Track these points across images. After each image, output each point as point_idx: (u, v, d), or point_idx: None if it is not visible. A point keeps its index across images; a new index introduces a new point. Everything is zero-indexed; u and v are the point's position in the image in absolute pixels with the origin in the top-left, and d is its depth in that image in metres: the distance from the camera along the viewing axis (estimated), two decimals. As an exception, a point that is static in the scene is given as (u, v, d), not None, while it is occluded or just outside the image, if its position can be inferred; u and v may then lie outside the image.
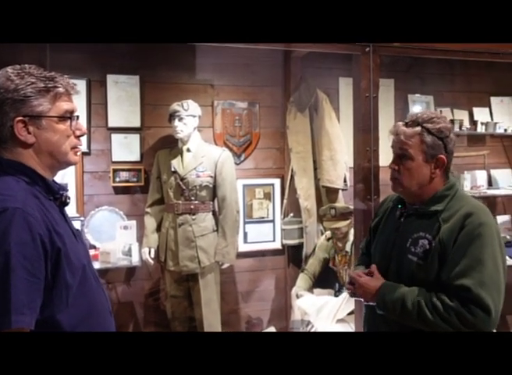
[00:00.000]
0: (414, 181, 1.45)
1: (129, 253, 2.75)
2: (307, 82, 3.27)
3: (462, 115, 3.60)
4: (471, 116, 3.65)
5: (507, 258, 3.08)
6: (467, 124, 3.50)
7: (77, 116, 1.18)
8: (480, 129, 3.40)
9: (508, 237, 3.49)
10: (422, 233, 1.42)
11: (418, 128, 1.43)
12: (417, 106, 3.63)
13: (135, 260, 2.75)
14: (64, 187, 1.20)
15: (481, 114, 3.64)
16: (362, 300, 1.52)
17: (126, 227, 2.87)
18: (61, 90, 1.13)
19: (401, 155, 1.46)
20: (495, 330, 1.38)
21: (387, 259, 1.51)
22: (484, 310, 1.27)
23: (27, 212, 1.02)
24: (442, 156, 1.42)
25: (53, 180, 1.18)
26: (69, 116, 1.15)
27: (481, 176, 3.53)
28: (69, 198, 1.20)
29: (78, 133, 1.17)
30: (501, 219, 3.66)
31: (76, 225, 2.92)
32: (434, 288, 1.35)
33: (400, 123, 1.49)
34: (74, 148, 1.17)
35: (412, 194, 1.49)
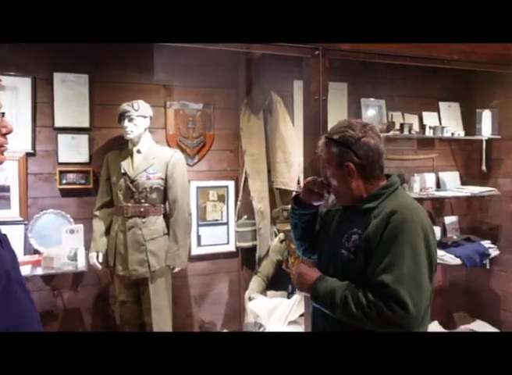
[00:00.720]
0: (337, 189, 1.53)
1: (74, 258, 2.65)
2: (261, 84, 3.27)
3: (412, 119, 3.70)
4: (421, 120, 3.76)
5: (452, 257, 3.21)
6: (416, 128, 3.59)
7: (3, 113, 1.13)
8: (428, 133, 3.49)
9: (455, 237, 3.61)
10: (355, 229, 1.47)
11: (325, 140, 1.51)
12: (370, 110, 3.70)
13: (81, 265, 2.65)
14: None
15: (430, 118, 3.75)
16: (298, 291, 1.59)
17: (72, 231, 2.76)
18: None
19: (323, 166, 1.56)
20: (429, 326, 1.42)
21: (330, 255, 1.56)
22: (401, 306, 1.29)
23: None
24: (350, 164, 1.45)
25: None
26: None
27: (430, 178, 3.63)
28: None
29: (4, 130, 1.13)
30: (449, 219, 3.78)
31: (20, 229, 2.82)
32: (362, 283, 1.39)
33: (321, 137, 1.56)
34: (0, 146, 1.13)
35: (343, 199, 1.56)
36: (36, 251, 2.83)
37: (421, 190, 3.49)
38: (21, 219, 2.83)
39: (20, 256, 2.76)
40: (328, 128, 2.32)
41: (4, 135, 1.13)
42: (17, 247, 2.80)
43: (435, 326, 3.22)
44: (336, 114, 2.78)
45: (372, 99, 3.68)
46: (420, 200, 3.61)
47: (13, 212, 2.82)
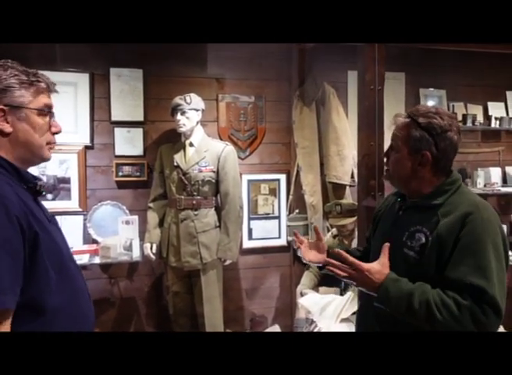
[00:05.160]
0: (398, 174, 1.43)
1: (129, 248, 2.72)
2: (313, 75, 3.20)
3: (476, 110, 3.48)
4: (486, 110, 3.53)
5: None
6: (481, 119, 3.38)
7: (53, 113, 1.21)
8: (494, 124, 3.27)
9: (522, 236, 3.37)
10: (419, 226, 1.36)
11: (408, 120, 1.39)
12: (430, 101, 3.52)
13: (136, 255, 2.72)
14: (38, 177, 1.21)
15: (496, 109, 3.52)
16: (354, 284, 1.41)
17: (128, 222, 2.84)
18: (43, 85, 1.18)
19: (391, 146, 1.44)
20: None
21: None
22: (496, 311, 1.22)
23: (3, 195, 1.03)
24: (427, 153, 1.35)
25: (26, 171, 1.19)
26: (47, 110, 1.18)
27: (495, 172, 3.41)
28: (43, 187, 1.21)
29: (54, 129, 1.21)
30: (516, 217, 3.53)
31: (79, 219, 2.94)
32: (432, 284, 1.29)
33: (399, 114, 1.43)
34: (49, 143, 1.20)
35: (403, 187, 1.46)
36: (94, 241, 2.94)
37: (485, 185, 3.29)
38: (80, 209, 2.95)
39: (79, 245, 2.88)
40: (385, 120, 2.25)
41: (53, 134, 1.21)
42: (76, 236, 2.93)
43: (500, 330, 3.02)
44: (393, 105, 2.67)
45: (432, 89, 3.50)
46: (484, 196, 3.40)
47: (73, 203, 2.94)
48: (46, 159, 1.21)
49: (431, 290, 1.28)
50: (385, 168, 1.49)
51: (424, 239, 1.33)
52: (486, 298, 1.22)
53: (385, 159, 1.50)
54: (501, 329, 3.03)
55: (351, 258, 1.36)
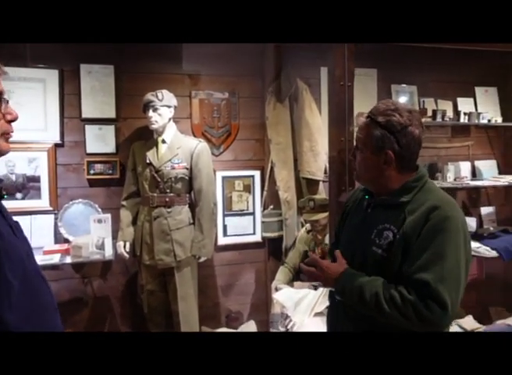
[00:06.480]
0: (365, 174, 1.45)
1: (102, 247, 2.69)
2: (287, 71, 3.20)
3: (446, 105, 3.54)
4: (456, 106, 3.59)
5: (488, 249, 3.07)
6: (450, 115, 3.44)
7: (7, 100, 1.09)
8: (463, 119, 3.33)
9: (492, 228, 3.45)
10: (387, 224, 1.38)
11: (368, 120, 1.40)
12: (401, 96, 3.56)
13: (108, 254, 2.69)
14: None
15: (465, 104, 3.58)
16: (319, 284, 1.49)
17: (100, 221, 2.80)
18: None
19: (356, 147, 1.45)
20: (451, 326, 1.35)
21: (352, 250, 1.47)
22: (441, 306, 1.23)
23: None
24: (389, 151, 1.36)
25: None
26: None
27: (465, 167, 3.47)
28: (4, 191, 1.13)
29: (9, 117, 1.09)
30: (485, 210, 3.63)
31: (50, 218, 2.89)
32: (396, 281, 1.31)
33: (360, 114, 1.45)
34: (4, 133, 1.09)
35: (371, 186, 1.48)
36: (66, 240, 2.89)
37: (455, 179, 3.35)
38: (51, 208, 2.90)
39: (50, 245, 2.83)
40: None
41: (9, 122, 1.09)
42: (48, 236, 2.88)
43: (469, 321, 3.09)
44: (365, 101, 2.69)
45: (403, 85, 3.55)
46: (454, 190, 3.47)
47: (44, 202, 2.89)
48: (3, 152, 1.09)
49: (384, 284, 1.31)
50: (353, 168, 1.51)
51: (391, 237, 1.35)
52: (430, 293, 1.23)
53: (352, 160, 1.52)
54: (471, 319, 3.09)
55: (313, 256, 1.46)
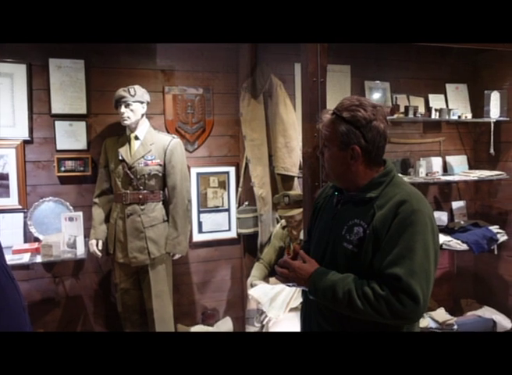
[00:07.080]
0: (334, 171, 1.45)
1: (73, 245, 2.64)
2: (261, 67, 3.19)
3: (418, 101, 3.60)
4: (427, 102, 3.65)
5: (459, 242, 3.14)
6: (422, 111, 3.49)
7: None
8: (434, 115, 3.39)
9: (462, 222, 3.53)
10: (357, 220, 1.38)
11: (334, 116, 1.40)
12: (375, 93, 3.60)
13: (80, 253, 2.64)
14: None
15: (436, 101, 3.64)
16: (293, 284, 1.48)
17: (71, 219, 2.74)
18: None
19: (323, 144, 1.45)
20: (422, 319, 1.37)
21: (323, 246, 1.48)
22: (413, 299, 1.24)
23: None
24: (356, 146, 1.37)
25: None
26: None
27: (436, 162, 3.54)
28: None
29: None
30: (456, 204, 3.70)
31: (19, 217, 2.82)
32: (368, 276, 1.32)
33: (325, 111, 1.45)
34: None
35: (340, 182, 1.48)
36: (36, 239, 2.83)
37: (427, 174, 3.41)
38: (20, 207, 2.82)
39: (20, 244, 2.76)
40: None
41: None
42: (17, 234, 2.81)
43: (441, 313, 3.16)
44: (339, 97, 2.70)
45: (377, 82, 3.58)
46: (426, 184, 3.54)
47: (12, 200, 2.81)
48: None
49: (356, 280, 1.32)
50: (323, 165, 1.52)
51: (362, 232, 1.35)
52: (401, 287, 1.24)
53: (320, 157, 1.52)
54: (442, 311, 3.16)
55: (284, 258, 1.46)
